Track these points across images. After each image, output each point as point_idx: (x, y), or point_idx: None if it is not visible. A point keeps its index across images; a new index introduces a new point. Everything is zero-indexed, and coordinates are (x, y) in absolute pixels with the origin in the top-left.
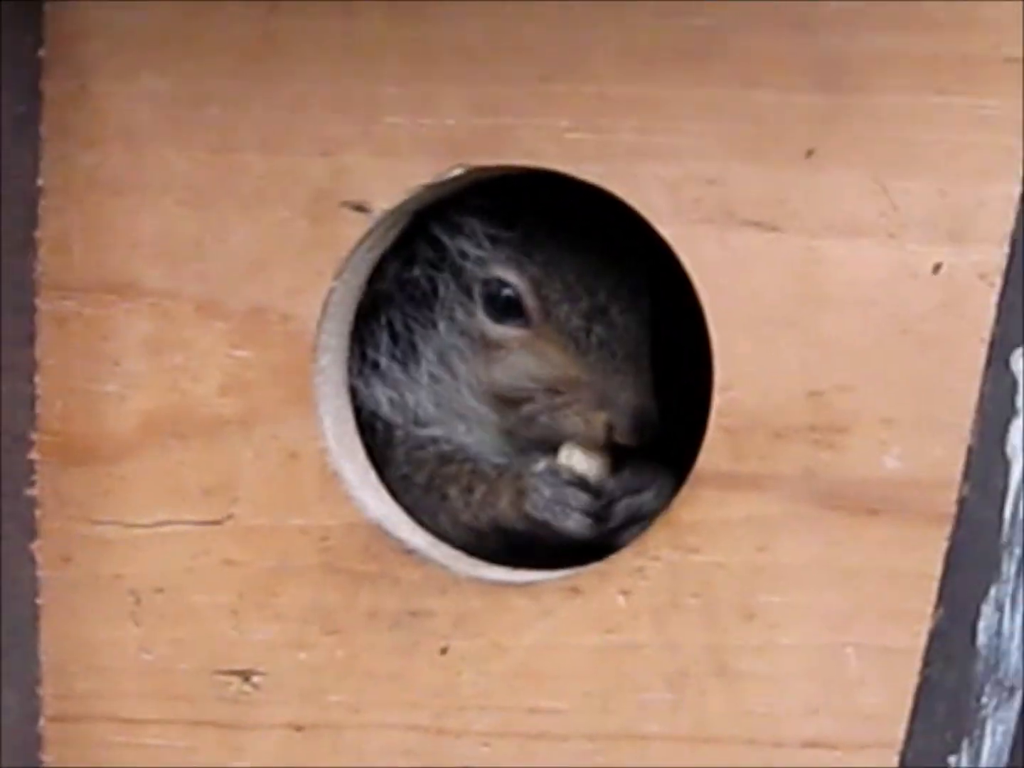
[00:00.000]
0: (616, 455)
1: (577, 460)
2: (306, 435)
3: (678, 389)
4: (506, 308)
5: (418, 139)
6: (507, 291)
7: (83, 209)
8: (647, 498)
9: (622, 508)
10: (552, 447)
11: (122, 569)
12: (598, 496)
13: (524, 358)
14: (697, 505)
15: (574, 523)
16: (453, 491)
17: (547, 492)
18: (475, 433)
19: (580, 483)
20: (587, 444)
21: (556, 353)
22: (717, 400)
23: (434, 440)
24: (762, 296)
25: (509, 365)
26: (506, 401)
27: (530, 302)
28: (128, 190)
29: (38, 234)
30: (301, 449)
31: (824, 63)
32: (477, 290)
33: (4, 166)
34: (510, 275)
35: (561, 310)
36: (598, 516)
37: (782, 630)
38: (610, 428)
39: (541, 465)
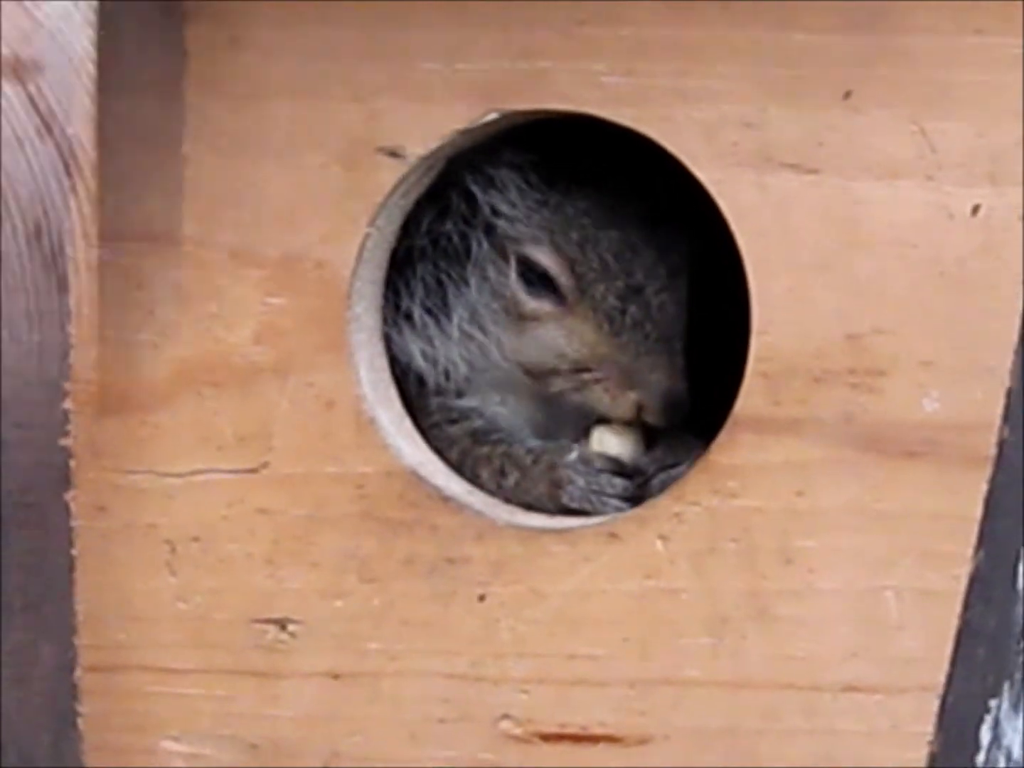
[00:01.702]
0: (647, 432)
1: (609, 443)
2: (341, 382)
3: (715, 336)
4: (541, 282)
5: (452, 84)
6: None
7: (116, 158)
8: (682, 471)
9: (657, 484)
10: (584, 428)
11: (157, 518)
12: (632, 476)
13: (555, 333)
14: (735, 450)
15: (612, 509)
16: (485, 473)
17: (581, 482)
18: (509, 403)
19: (614, 466)
20: (616, 422)
21: (589, 332)
22: (755, 344)
23: (467, 415)
24: (800, 239)
25: (539, 339)
26: (534, 373)
27: (564, 281)
28: (161, 139)
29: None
30: (336, 397)
31: (861, 4)
32: (512, 257)
33: None
34: (543, 256)
35: (596, 289)
36: (635, 498)
37: (821, 574)
38: (640, 408)
39: (573, 455)
